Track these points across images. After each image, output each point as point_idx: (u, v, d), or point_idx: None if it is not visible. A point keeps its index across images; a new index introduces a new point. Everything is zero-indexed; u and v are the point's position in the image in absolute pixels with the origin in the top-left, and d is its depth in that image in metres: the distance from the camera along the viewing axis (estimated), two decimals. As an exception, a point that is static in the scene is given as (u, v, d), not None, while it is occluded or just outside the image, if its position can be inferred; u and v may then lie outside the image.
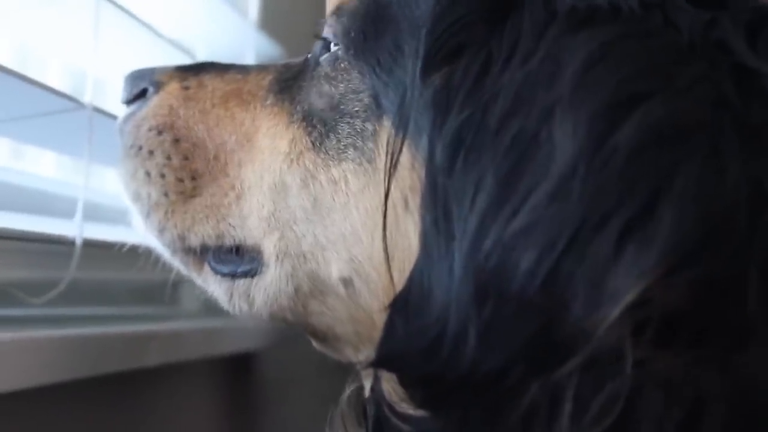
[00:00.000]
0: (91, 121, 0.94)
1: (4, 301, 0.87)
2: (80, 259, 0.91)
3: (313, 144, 0.67)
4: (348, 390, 0.69)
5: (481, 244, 0.50)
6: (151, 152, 0.75)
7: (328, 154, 0.66)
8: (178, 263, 0.77)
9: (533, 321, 0.47)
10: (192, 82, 0.78)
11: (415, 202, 0.59)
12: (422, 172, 0.57)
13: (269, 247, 0.69)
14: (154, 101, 0.78)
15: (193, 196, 0.73)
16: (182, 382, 1.19)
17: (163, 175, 0.74)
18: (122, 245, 0.85)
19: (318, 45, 0.70)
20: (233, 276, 0.73)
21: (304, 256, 0.68)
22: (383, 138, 0.62)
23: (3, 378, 0.77)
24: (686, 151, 0.47)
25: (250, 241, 0.71)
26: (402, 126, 0.59)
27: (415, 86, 0.59)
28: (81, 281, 0.94)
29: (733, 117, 0.48)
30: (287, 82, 0.73)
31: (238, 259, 0.72)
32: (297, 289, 0.69)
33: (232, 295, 0.73)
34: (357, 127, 0.64)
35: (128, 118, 0.79)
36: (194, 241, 0.73)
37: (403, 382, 0.55)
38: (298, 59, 0.75)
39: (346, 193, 0.64)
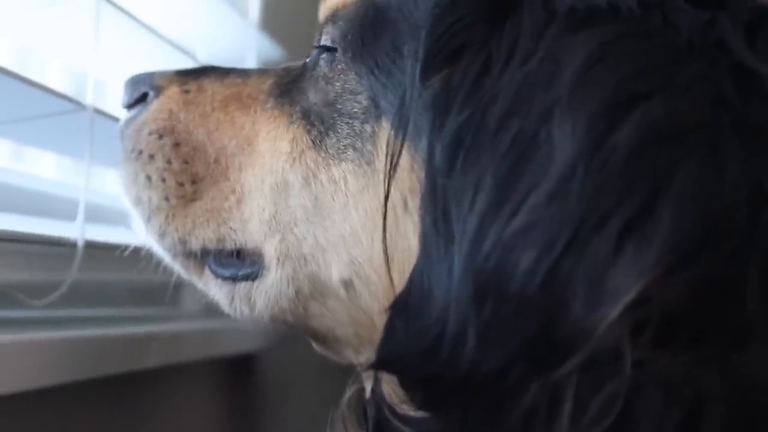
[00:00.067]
0: (92, 122, 0.94)
1: (5, 303, 0.87)
2: (81, 261, 0.91)
3: (313, 143, 0.67)
4: (349, 392, 0.69)
5: (481, 244, 0.50)
6: (151, 156, 0.75)
7: (329, 152, 0.66)
8: (178, 267, 0.77)
9: (533, 321, 0.47)
10: (192, 86, 0.78)
11: (414, 204, 0.59)
12: (422, 174, 0.57)
13: (270, 250, 0.70)
14: (154, 105, 0.78)
15: (193, 200, 0.73)
16: (183, 384, 1.19)
17: (163, 179, 0.74)
18: (124, 248, 0.85)
19: (316, 49, 0.71)
20: (234, 279, 0.73)
21: (305, 259, 0.68)
22: (382, 139, 0.62)
23: (4, 380, 0.77)
24: (685, 150, 0.47)
25: (250, 245, 0.71)
26: (401, 127, 0.60)
27: (414, 88, 0.59)
28: (82, 283, 0.94)
29: (733, 116, 0.48)
30: (287, 86, 0.73)
31: (238, 262, 0.73)
32: (298, 292, 0.69)
33: (233, 299, 0.73)
34: (356, 128, 0.64)
35: (129, 122, 0.79)
36: (195, 244, 0.73)
37: (404, 383, 0.55)
38: (297, 63, 0.75)
39: (346, 194, 0.65)
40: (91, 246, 0.93)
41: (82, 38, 0.96)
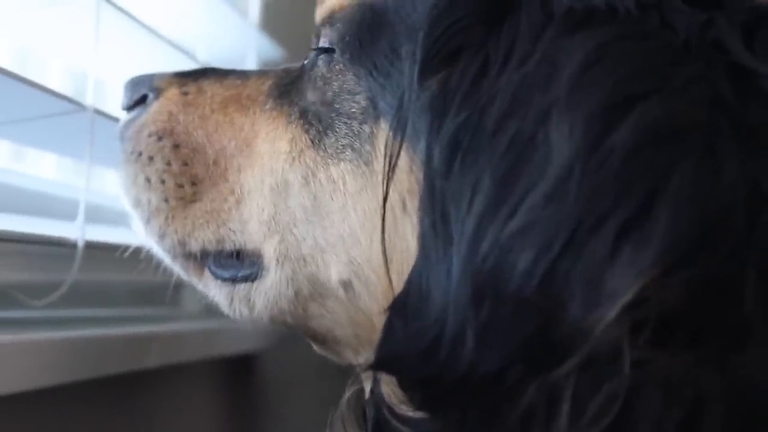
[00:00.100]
0: (92, 123, 0.94)
1: (5, 304, 0.87)
2: (82, 261, 0.91)
3: (312, 142, 0.67)
4: (348, 392, 0.69)
5: (479, 245, 0.50)
6: (151, 158, 0.75)
7: (327, 152, 0.66)
8: (178, 269, 0.77)
9: (530, 322, 0.48)
10: (191, 87, 0.78)
11: (413, 205, 0.59)
12: (420, 175, 0.57)
13: (269, 251, 0.70)
14: (153, 107, 0.78)
15: (193, 202, 0.73)
16: (183, 384, 1.19)
17: (163, 181, 0.74)
18: (124, 249, 0.85)
19: (314, 51, 0.71)
20: (234, 280, 0.73)
21: (304, 260, 0.68)
22: (380, 140, 0.62)
23: (4, 380, 0.78)
24: (682, 151, 0.47)
25: (250, 246, 0.71)
26: (400, 129, 0.60)
27: (412, 90, 0.59)
28: (82, 283, 0.94)
29: (730, 117, 0.48)
30: (286, 87, 0.73)
31: (238, 263, 0.73)
32: (297, 293, 0.69)
33: (232, 300, 0.73)
34: (354, 128, 0.65)
35: (128, 124, 0.79)
36: (194, 246, 0.73)
37: (402, 383, 0.55)
38: (296, 64, 0.75)
39: (344, 194, 0.65)
40: (92, 246, 0.93)
41: (82, 39, 0.96)
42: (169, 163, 0.74)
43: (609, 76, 0.50)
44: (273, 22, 1.45)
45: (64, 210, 0.99)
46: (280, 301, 0.70)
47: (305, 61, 0.73)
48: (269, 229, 0.70)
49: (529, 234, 0.48)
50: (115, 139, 0.81)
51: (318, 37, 0.70)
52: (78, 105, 0.93)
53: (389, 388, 0.58)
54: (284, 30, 1.43)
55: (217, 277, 0.74)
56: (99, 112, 0.95)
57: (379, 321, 0.58)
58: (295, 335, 0.75)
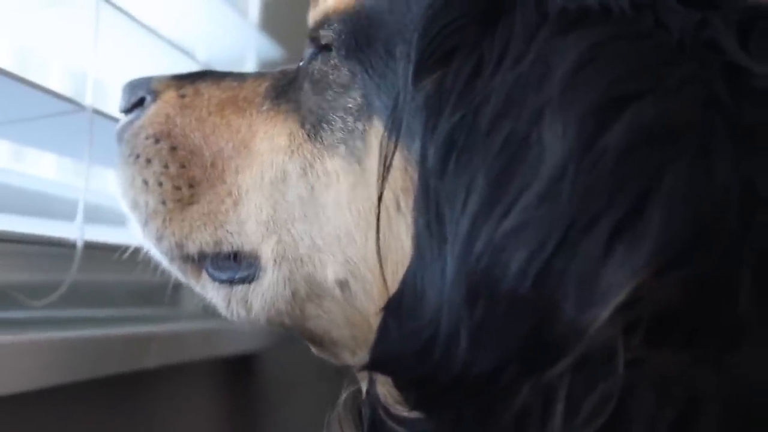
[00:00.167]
0: (91, 123, 0.94)
1: (4, 304, 0.87)
2: (81, 262, 0.91)
3: (308, 135, 0.68)
4: (345, 393, 0.69)
5: (473, 245, 0.50)
6: (148, 160, 0.75)
7: (324, 144, 0.67)
8: (176, 271, 0.78)
9: (524, 321, 0.48)
10: (188, 90, 0.78)
11: (407, 204, 0.59)
12: (414, 175, 0.58)
13: (267, 252, 0.70)
14: (151, 110, 0.78)
15: (190, 204, 0.73)
16: (183, 384, 1.20)
17: (160, 183, 0.74)
18: (123, 250, 0.85)
19: (309, 51, 0.71)
20: (231, 282, 0.73)
21: (301, 260, 0.68)
22: (372, 138, 0.63)
23: (4, 380, 0.78)
24: (676, 151, 0.47)
25: (247, 247, 0.71)
26: (395, 129, 0.60)
27: (407, 90, 0.59)
28: (82, 283, 0.94)
29: (725, 117, 0.48)
30: (283, 88, 0.73)
31: (235, 265, 0.73)
32: (294, 293, 0.69)
33: (230, 302, 0.74)
34: (348, 124, 0.65)
35: (126, 126, 0.80)
36: (192, 248, 0.73)
37: (397, 384, 0.56)
38: (293, 66, 0.75)
39: (338, 189, 0.65)
40: (91, 246, 0.93)
41: (82, 39, 0.96)
42: (166, 166, 0.75)
43: (602, 76, 0.50)
44: (273, 22, 1.45)
45: (64, 210, 0.99)
46: (278, 302, 0.70)
47: (301, 63, 0.73)
48: (267, 230, 0.70)
49: (523, 234, 0.48)
50: (114, 138, 0.81)
51: (313, 40, 0.71)
52: (77, 105, 0.93)
53: (385, 388, 0.58)
54: (284, 30, 1.42)
55: (214, 279, 0.75)
56: (98, 113, 0.95)
57: (376, 321, 0.58)
58: (294, 335, 0.75)
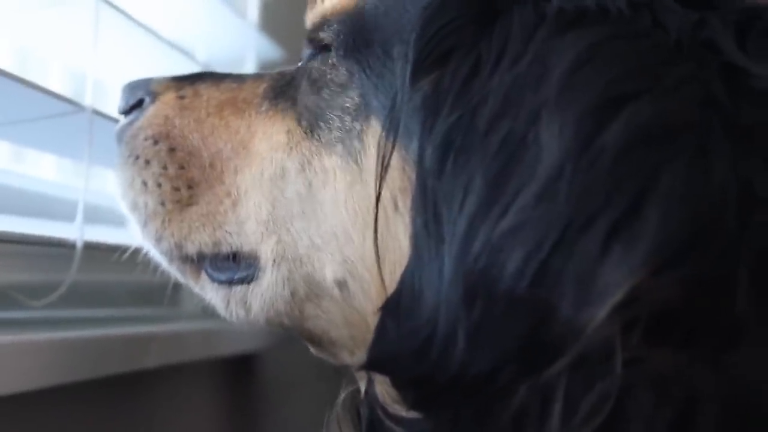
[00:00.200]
0: (91, 123, 0.94)
1: (4, 304, 0.87)
2: (81, 262, 0.91)
3: (306, 133, 0.68)
4: (344, 393, 0.69)
5: (470, 245, 0.50)
6: (147, 161, 0.76)
7: (321, 141, 0.67)
8: (175, 271, 0.78)
9: (522, 321, 0.48)
10: (188, 91, 0.78)
11: (405, 204, 0.59)
12: (412, 175, 0.58)
13: (266, 252, 0.70)
14: (150, 111, 0.78)
15: (189, 205, 0.73)
16: (182, 384, 1.20)
17: (159, 185, 0.74)
18: (123, 251, 0.85)
19: (308, 52, 0.71)
20: (230, 283, 0.73)
21: (300, 260, 0.68)
22: (370, 137, 0.63)
23: (4, 381, 0.78)
24: (673, 151, 0.47)
25: (246, 248, 0.72)
26: (392, 129, 0.60)
27: (405, 90, 0.59)
28: (81, 284, 0.94)
29: (723, 117, 0.48)
30: (282, 88, 0.74)
31: (234, 266, 0.73)
32: (293, 293, 0.69)
33: (229, 302, 0.74)
34: (346, 123, 0.65)
35: (125, 127, 0.80)
36: (191, 249, 0.74)
37: (395, 383, 0.56)
38: (291, 67, 0.75)
39: (335, 187, 0.65)
40: (90, 247, 0.93)
41: (81, 40, 0.96)
42: (165, 167, 0.75)
43: (600, 76, 0.50)
44: (272, 23, 1.45)
45: (64, 210, 0.99)
46: (277, 303, 0.70)
47: (300, 64, 0.73)
48: (266, 229, 0.70)
49: (520, 234, 0.48)
50: (114, 139, 0.82)
51: (311, 41, 0.71)
52: (77, 106, 0.93)
53: (383, 388, 0.58)
54: (283, 30, 1.42)
55: (213, 279, 0.75)
56: (98, 113, 0.95)
57: (374, 321, 0.58)
58: (293, 336, 0.76)
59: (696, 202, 0.46)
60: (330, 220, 0.66)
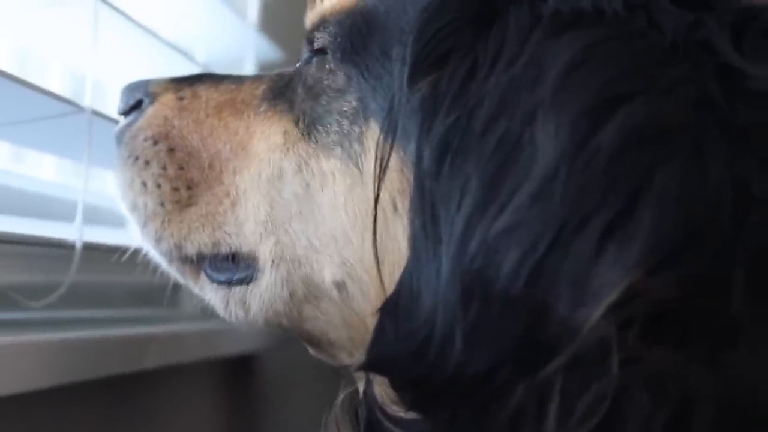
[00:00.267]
0: (90, 124, 0.94)
1: (3, 305, 0.87)
2: (80, 262, 0.92)
3: (302, 135, 0.69)
4: (342, 394, 0.69)
5: (467, 246, 0.50)
6: (147, 162, 0.76)
7: (318, 144, 0.67)
8: (174, 272, 0.78)
9: (518, 321, 0.48)
10: (187, 92, 0.78)
11: (403, 206, 0.59)
12: (410, 176, 0.58)
13: (265, 253, 0.70)
14: (149, 112, 0.79)
15: (188, 206, 0.74)
16: (182, 385, 1.20)
17: (159, 185, 0.75)
18: (122, 251, 0.85)
19: (306, 54, 0.71)
20: (229, 283, 0.73)
21: (299, 261, 0.68)
22: (370, 140, 0.63)
23: (3, 381, 0.78)
24: (668, 151, 0.47)
25: (245, 248, 0.72)
26: (391, 131, 0.60)
27: (402, 92, 0.59)
28: (81, 284, 0.94)
29: (718, 118, 0.48)
30: (280, 90, 0.74)
31: (233, 266, 0.73)
32: (292, 294, 0.69)
33: (228, 303, 0.74)
34: (344, 127, 0.65)
35: (125, 129, 0.80)
36: (191, 249, 0.74)
37: (393, 384, 0.56)
38: (290, 69, 0.76)
39: (333, 190, 0.65)
40: (90, 247, 0.94)
41: (81, 40, 0.96)
42: (164, 167, 0.75)
43: (595, 77, 0.50)
44: (271, 24, 1.46)
45: (63, 211, 0.99)
46: (275, 304, 0.70)
47: (298, 66, 0.73)
48: (265, 230, 0.70)
49: (516, 234, 0.48)
50: (113, 139, 0.82)
51: (310, 42, 0.71)
52: (76, 107, 0.93)
53: (381, 388, 0.59)
54: (283, 31, 1.43)
55: (212, 280, 0.75)
56: (97, 114, 0.95)
57: (373, 322, 0.58)
58: (292, 336, 0.76)
59: (691, 202, 0.46)
60: (329, 223, 0.66)
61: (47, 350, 0.85)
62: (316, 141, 0.67)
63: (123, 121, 0.81)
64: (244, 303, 0.72)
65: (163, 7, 1.20)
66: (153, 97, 0.79)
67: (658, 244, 0.45)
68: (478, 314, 0.49)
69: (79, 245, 0.92)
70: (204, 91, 0.78)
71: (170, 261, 0.76)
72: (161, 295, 0.92)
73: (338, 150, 0.65)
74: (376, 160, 0.61)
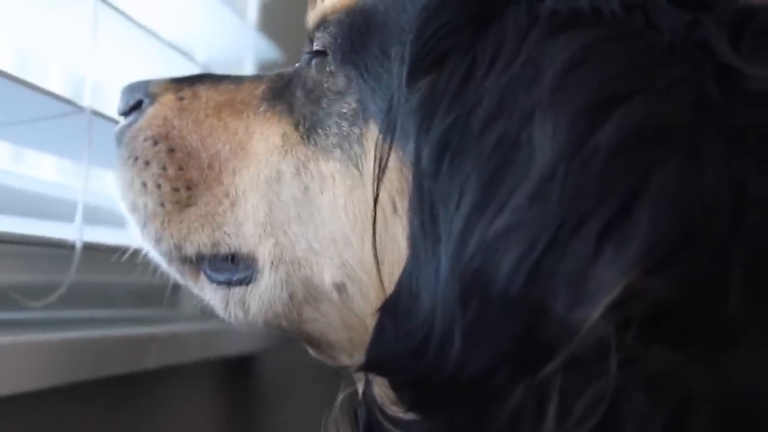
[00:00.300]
0: (90, 124, 0.94)
1: (4, 305, 0.87)
2: (80, 262, 0.92)
3: (302, 138, 0.68)
4: (342, 394, 0.69)
5: (466, 245, 0.50)
6: (147, 162, 0.76)
7: (318, 147, 0.67)
8: (174, 272, 0.78)
9: (517, 321, 0.48)
10: (186, 93, 0.79)
11: (403, 206, 0.59)
12: (410, 176, 0.58)
13: (264, 254, 0.70)
14: (149, 112, 0.79)
15: (188, 206, 0.74)
16: (182, 385, 1.20)
17: (158, 186, 0.75)
18: (122, 252, 0.85)
19: (307, 55, 0.71)
20: (229, 284, 0.74)
21: (299, 263, 0.68)
22: (370, 142, 0.63)
23: (3, 381, 0.78)
24: (665, 151, 0.47)
25: (245, 249, 0.72)
26: (389, 131, 0.60)
27: (401, 91, 0.59)
28: (81, 284, 0.94)
29: (716, 118, 0.48)
30: (280, 90, 0.74)
31: (233, 267, 0.73)
32: (291, 296, 0.69)
33: (227, 303, 0.74)
34: (344, 129, 0.65)
35: (125, 129, 0.80)
36: (190, 250, 0.74)
37: (393, 384, 0.56)
38: (290, 69, 0.76)
39: (333, 192, 0.65)
40: (90, 247, 0.94)
41: (80, 40, 0.96)
42: (164, 168, 0.75)
43: (593, 77, 0.50)
44: (271, 24, 1.46)
45: (63, 211, 0.99)
46: (275, 305, 0.70)
47: (297, 66, 0.73)
48: (264, 231, 0.70)
49: (514, 234, 0.48)
50: (113, 139, 0.82)
51: (311, 41, 0.71)
52: (76, 107, 0.93)
53: (381, 389, 0.58)
54: (282, 31, 1.43)
55: (212, 280, 0.75)
56: (97, 114, 0.95)
57: (372, 323, 0.58)
58: (292, 337, 0.76)
59: (688, 202, 0.46)
60: (328, 225, 0.66)
61: (47, 350, 0.85)
62: (316, 144, 0.67)
63: (123, 121, 0.81)
64: (244, 304, 0.72)
65: (163, 7, 1.20)
66: (153, 98, 0.79)
67: (656, 244, 0.45)
68: (476, 314, 0.49)
69: (79, 245, 0.92)
70: (204, 91, 0.78)
71: (170, 261, 0.77)
72: (161, 295, 0.92)
73: (338, 152, 0.65)
74: (375, 161, 0.61)
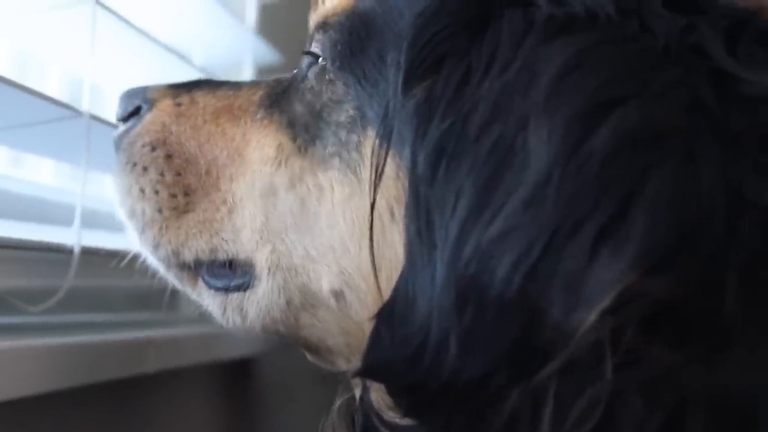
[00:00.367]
0: (88, 128, 0.94)
1: (2, 310, 0.87)
2: (78, 267, 0.92)
3: (299, 149, 0.68)
4: (339, 399, 0.69)
5: (462, 251, 0.50)
6: (145, 169, 0.76)
7: (314, 160, 0.67)
8: (172, 278, 0.78)
9: (512, 327, 0.48)
10: (184, 98, 0.78)
11: (400, 212, 0.59)
12: (406, 182, 0.58)
13: (261, 261, 0.70)
14: (147, 118, 0.79)
15: (186, 212, 0.74)
16: (180, 389, 1.20)
17: (156, 192, 0.75)
18: (121, 256, 0.85)
19: (305, 60, 0.71)
20: (226, 290, 0.73)
21: (296, 270, 0.68)
22: (368, 148, 0.63)
23: (2, 386, 0.78)
24: (661, 155, 0.47)
25: (242, 255, 0.72)
26: (386, 137, 0.60)
27: (397, 97, 0.59)
28: (79, 288, 0.95)
29: (711, 122, 0.48)
30: (277, 97, 0.74)
31: (230, 273, 0.73)
32: (289, 302, 0.69)
33: (225, 309, 0.74)
34: (342, 137, 0.65)
35: (123, 135, 0.80)
36: (188, 256, 0.74)
37: (389, 390, 0.56)
38: (288, 75, 0.75)
39: (332, 201, 0.65)
40: (88, 252, 0.94)
41: (79, 44, 0.97)
42: (162, 174, 0.75)
43: (588, 81, 0.50)
44: (269, 27, 1.46)
45: (61, 215, 0.99)
46: (272, 311, 0.70)
47: (296, 71, 0.73)
48: (261, 238, 0.70)
49: (509, 239, 0.48)
50: (111, 144, 0.82)
51: (312, 43, 0.71)
52: (74, 111, 0.93)
53: (378, 394, 0.58)
54: (281, 34, 1.43)
55: (210, 286, 0.75)
56: (95, 118, 0.95)
57: (370, 329, 0.59)
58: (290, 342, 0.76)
59: (683, 206, 0.46)
60: (326, 234, 0.65)
61: (46, 355, 0.85)
62: (313, 155, 0.67)
63: (121, 127, 0.81)
64: (241, 310, 0.72)
65: (161, 10, 1.20)
66: (151, 104, 0.79)
67: (651, 247, 0.45)
68: (472, 319, 0.49)
69: (77, 249, 0.92)
70: (202, 97, 0.78)
71: (168, 267, 0.76)
72: (160, 299, 0.92)
73: (336, 160, 0.65)
74: (372, 167, 0.61)
